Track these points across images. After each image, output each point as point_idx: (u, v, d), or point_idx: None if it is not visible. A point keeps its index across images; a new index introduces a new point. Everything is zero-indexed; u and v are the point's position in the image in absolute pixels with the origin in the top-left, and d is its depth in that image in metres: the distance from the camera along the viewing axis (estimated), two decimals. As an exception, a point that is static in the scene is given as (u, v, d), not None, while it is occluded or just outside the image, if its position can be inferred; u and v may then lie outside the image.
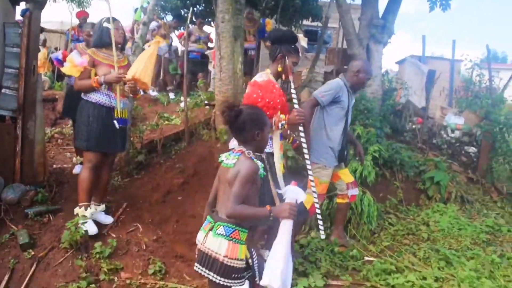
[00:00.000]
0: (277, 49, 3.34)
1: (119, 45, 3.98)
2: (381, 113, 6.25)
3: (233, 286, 2.17)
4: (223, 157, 2.31)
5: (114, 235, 3.81)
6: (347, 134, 4.00)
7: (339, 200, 4.17)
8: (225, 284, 2.13)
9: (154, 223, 4.13)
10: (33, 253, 3.52)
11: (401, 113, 7.07)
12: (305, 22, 10.66)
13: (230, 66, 4.91)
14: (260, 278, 2.16)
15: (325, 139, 3.85)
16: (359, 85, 4.00)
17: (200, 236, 2.25)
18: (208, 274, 2.14)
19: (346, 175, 4.09)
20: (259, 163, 2.24)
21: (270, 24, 7.93)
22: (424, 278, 3.45)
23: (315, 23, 10.41)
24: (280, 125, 2.96)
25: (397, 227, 4.62)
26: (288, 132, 3.41)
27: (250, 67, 8.12)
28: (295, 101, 3.21)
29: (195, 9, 9.34)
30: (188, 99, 6.91)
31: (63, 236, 3.54)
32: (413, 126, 7.05)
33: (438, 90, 8.33)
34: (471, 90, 7.16)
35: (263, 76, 3.29)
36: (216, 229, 2.15)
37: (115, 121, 3.86)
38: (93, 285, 3.19)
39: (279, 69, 3.30)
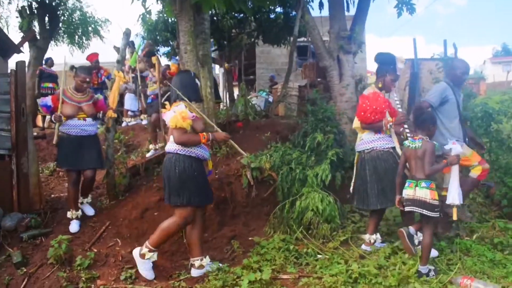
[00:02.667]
0: (380, 69, 4.35)
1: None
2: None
3: (434, 215, 3.56)
4: (408, 143, 3.75)
5: (96, 250, 4.35)
6: (465, 129, 4.58)
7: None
8: (431, 215, 3.53)
9: (132, 237, 4.64)
10: (25, 270, 4.10)
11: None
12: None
13: (197, 91, 5.42)
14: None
15: (445, 132, 4.38)
16: (460, 81, 4.58)
17: (409, 191, 3.64)
18: (421, 211, 3.56)
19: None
20: (434, 142, 3.67)
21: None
22: (367, 266, 3.80)
23: (302, 39, 10.88)
24: (388, 125, 4.11)
25: (359, 224, 4.96)
26: (401, 129, 4.28)
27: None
28: (399, 107, 4.39)
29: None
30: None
31: (49, 253, 4.10)
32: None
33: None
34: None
35: (369, 89, 4.38)
36: (420, 184, 3.57)
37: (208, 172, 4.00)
38: (73, 292, 3.73)
39: (380, 85, 4.33)
